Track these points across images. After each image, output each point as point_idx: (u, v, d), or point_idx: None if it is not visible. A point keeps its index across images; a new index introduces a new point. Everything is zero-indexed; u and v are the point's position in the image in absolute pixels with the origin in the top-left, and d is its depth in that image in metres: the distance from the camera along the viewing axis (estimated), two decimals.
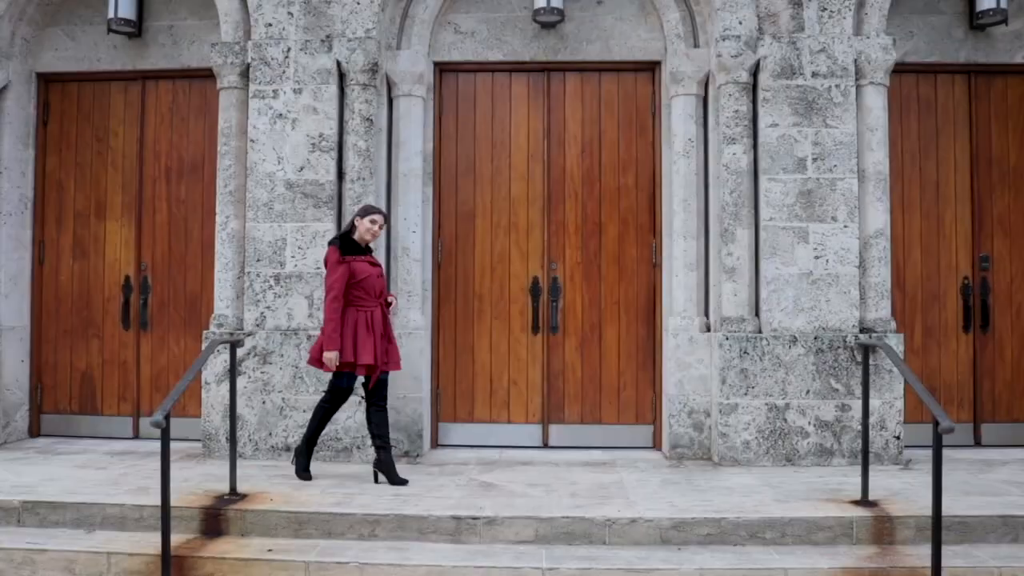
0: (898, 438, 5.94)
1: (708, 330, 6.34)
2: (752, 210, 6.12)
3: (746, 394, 5.92)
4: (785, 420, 5.91)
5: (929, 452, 6.39)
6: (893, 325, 6.08)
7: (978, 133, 6.77)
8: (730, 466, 5.91)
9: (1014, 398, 6.73)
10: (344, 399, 5.53)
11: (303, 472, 5.49)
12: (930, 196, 6.73)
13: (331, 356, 5.26)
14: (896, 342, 5.93)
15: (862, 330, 6.04)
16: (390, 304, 5.59)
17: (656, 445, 6.62)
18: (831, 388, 5.91)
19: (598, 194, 6.73)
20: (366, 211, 5.48)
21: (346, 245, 5.39)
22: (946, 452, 6.61)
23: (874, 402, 5.89)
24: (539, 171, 6.75)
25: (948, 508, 4.68)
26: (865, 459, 4.97)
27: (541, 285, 6.70)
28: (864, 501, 4.90)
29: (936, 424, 3.95)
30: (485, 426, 6.67)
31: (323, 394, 5.63)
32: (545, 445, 6.70)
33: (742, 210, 6.08)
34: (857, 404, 5.90)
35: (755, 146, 6.13)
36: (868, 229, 6.09)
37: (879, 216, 6.10)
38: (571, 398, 6.69)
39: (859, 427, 5.90)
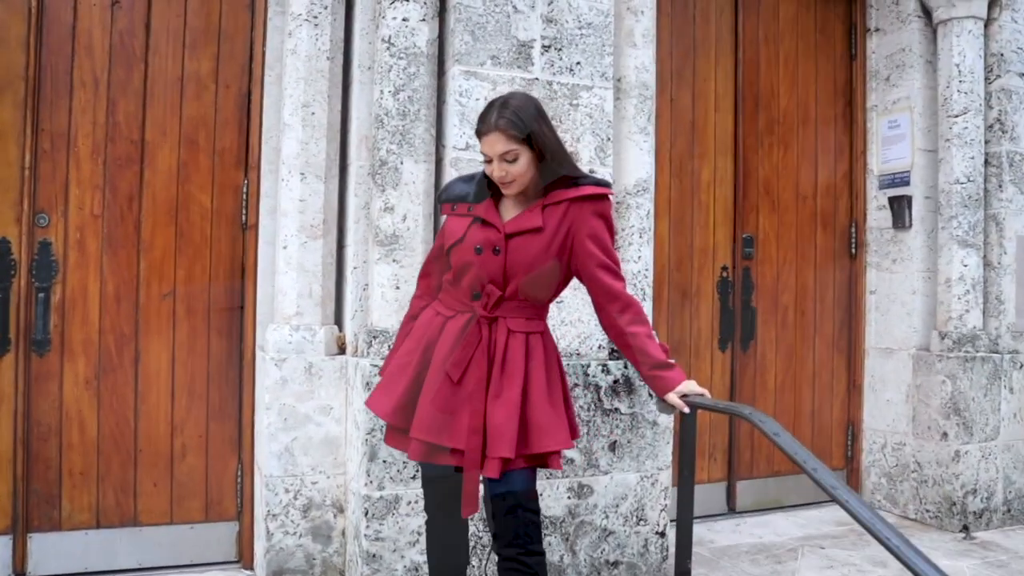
0: (662, 535, 3.51)
1: (343, 351, 3.46)
2: (433, 128, 3.30)
3: (415, 476, 3.12)
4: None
5: (695, 534, 4.10)
6: None
7: (745, 59, 4.62)
8: None
9: None
10: (451, 498, 2.40)
11: None
12: (683, 142, 4.44)
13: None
14: None
15: (612, 352, 3.52)
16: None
17: (246, 561, 3.58)
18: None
19: (142, 86, 3.51)
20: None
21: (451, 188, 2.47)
22: (702, 530, 4.36)
23: (629, 476, 3.43)
24: (21, 29, 3.36)
25: None
26: None
27: (16, 258, 3.34)
28: None
29: None
30: None
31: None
32: (21, 575, 3.37)
33: (415, 127, 3.24)
34: (602, 483, 3.38)
35: (443, 11, 3.34)
36: (626, 179, 3.57)
37: (643, 159, 3.59)
38: (77, 479, 3.41)
39: (603, 523, 3.38)
